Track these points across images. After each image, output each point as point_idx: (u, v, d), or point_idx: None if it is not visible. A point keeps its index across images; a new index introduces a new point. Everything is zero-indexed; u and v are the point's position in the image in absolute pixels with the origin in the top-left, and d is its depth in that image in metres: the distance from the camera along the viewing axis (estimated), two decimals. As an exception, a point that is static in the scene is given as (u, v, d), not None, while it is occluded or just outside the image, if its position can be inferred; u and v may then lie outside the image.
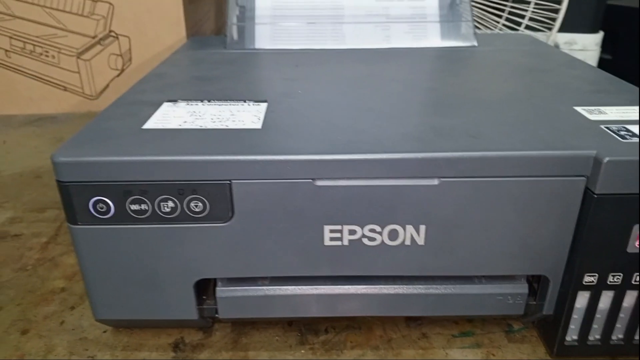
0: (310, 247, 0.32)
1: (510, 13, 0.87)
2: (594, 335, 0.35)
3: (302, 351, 0.37)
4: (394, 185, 0.31)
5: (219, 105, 0.38)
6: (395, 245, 0.33)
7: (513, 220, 0.32)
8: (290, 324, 0.39)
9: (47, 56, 0.81)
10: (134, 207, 0.31)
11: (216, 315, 0.36)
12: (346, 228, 0.32)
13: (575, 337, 0.35)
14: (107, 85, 0.84)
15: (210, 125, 0.34)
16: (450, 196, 0.31)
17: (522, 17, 0.85)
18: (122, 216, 0.31)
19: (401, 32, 0.60)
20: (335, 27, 0.61)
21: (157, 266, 0.33)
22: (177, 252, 0.33)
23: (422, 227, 0.32)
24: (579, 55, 0.92)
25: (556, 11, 0.84)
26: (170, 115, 0.36)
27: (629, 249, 0.32)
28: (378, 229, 0.32)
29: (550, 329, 0.36)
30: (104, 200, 0.31)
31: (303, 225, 0.32)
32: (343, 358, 0.36)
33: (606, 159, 0.29)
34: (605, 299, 0.34)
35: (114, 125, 0.35)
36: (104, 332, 0.38)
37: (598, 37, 0.91)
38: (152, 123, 0.35)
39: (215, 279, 0.35)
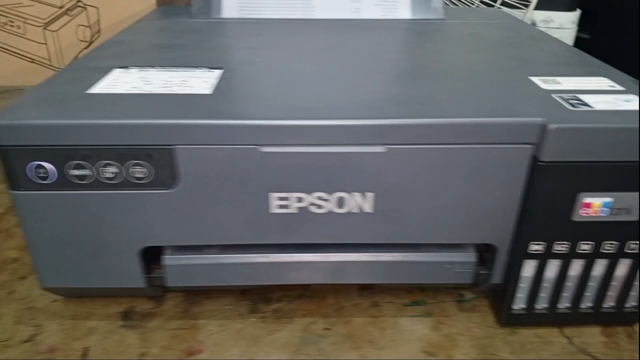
0: (257, 214, 0.32)
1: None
2: (542, 304, 0.36)
3: (253, 319, 0.37)
4: (340, 152, 0.30)
5: (172, 71, 0.37)
6: (343, 213, 0.32)
7: (460, 188, 0.32)
8: (243, 293, 0.39)
9: (12, 26, 0.79)
10: (75, 172, 0.31)
11: (165, 284, 0.35)
12: (293, 195, 0.32)
13: (522, 306, 0.36)
14: (76, 57, 0.82)
15: (158, 90, 0.34)
16: (397, 163, 0.31)
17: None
18: (63, 182, 0.31)
19: (371, 4, 0.60)
20: (304, -2, 0.60)
21: (102, 233, 0.33)
22: (120, 219, 0.32)
23: (370, 195, 0.32)
24: (555, 33, 0.92)
25: (533, -13, 0.83)
26: (120, 81, 0.35)
27: (575, 218, 0.32)
28: (326, 196, 0.32)
29: (499, 298, 0.36)
30: (44, 165, 0.30)
31: (249, 193, 0.31)
32: (292, 326, 0.36)
33: (552, 126, 0.29)
34: (552, 268, 0.34)
35: (59, 89, 0.34)
36: (54, 301, 0.38)
37: (575, 15, 0.91)
38: (98, 88, 0.34)
39: (163, 247, 0.35)
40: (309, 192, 0.32)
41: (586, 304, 0.36)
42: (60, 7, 0.78)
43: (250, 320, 0.37)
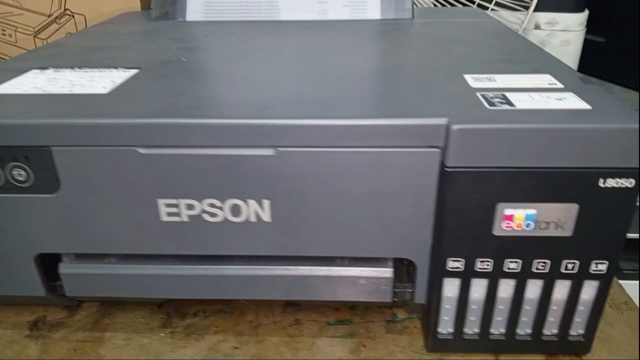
0: (147, 222, 0.30)
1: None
2: (472, 329, 0.32)
3: (161, 334, 0.35)
4: (227, 154, 0.28)
5: (85, 72, 0.36)
6: (240, 222, 0.30)
7: (366, 196, 0.28)
8: (160, 306, 0.37)
9: (4, 35, 0.81)
10: (-43, 174, 0.29)
11: (64, 294, 0.33)
12: (183, 202, 0.29)
13: (450, 330, 0.32)
14: (65, 65, 0.83)
15: (57, 90, 0.32)
16: (291, 168, 0.28)
17: (500, -5, 0.80)
18: (-54, 184, 0.29)
19: (339, 5, 0.57)
20: (270, 0, 0.58)
21: (-7, 239, 0.31)
22: (9, 225, 0.31)
23: (266, 202, 0.29)
24: (561, 36, 0.87)
25: (533, -12, 0.79)
26: (26, 82, 0.34)
27: (496, 232, 0.28)
28: (218, 203, 0.29)
29: (427, 320, 0.33)
30: None
31: (135, 199, 0.29)
32: (200, 343, 0.34)
33: (455, 127, 0.26)
34: (478, 288, 0.30)
35: (-39, 89, 0.33)
36: (-36, 308, 0.37)
37: (582, 16, 0.85)
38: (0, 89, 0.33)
39: (62, 255, 0.33)
40: (199, 199, 0.29)
41: (524, 330, 0.32)
42: (49, 16, 0.79)
43: (158, 335, 0.35)
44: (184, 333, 0.35)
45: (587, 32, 0.89)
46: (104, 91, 0.32)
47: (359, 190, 0.28)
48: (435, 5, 0.79)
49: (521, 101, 0.28)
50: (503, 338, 0.32)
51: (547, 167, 0.26)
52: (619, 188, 0.26)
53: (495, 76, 0.33)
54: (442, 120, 0.26)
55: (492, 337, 0.32)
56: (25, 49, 0.82)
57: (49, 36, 0.81)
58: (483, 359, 0.32)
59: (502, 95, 0.29)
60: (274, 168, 0.28)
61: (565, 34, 0.86)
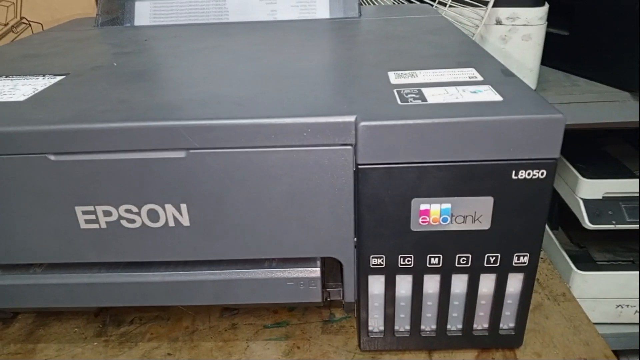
0: (66, 230, 0.29)
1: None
2: (403, 326, 0.32)
3: (95, 343, 0.34)
4: (139, 158, 0.27)
5: (12, 80, 0.35)
6: (158, 227, 0.29)
7: (283, 196, 0.28)
8: (96, 314, 0.37)
9: (-40, 45, 0.80)
10: None
11: (-7, 306, 0.33)
12: (99, 209, 0.29)
13: (381, 328, 0.32)
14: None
15: (-26, 99, 0.32)
16: (204, 170, 0.27)
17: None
18: None
19: (287, 6, 0.57)
20: (219, 2, 0.57)
21: None
22: None
23: (183, 206, 0.29)
24: (523, 31, 0.87)
25: (491, -17, 0.79)
26: (-53, 91, 0.34)
27: (414, 227, 0.28)
28: (135, 209, 0.29)
29: (358, 318, 0.33)
30: None
31: (52, 206, 0.29)
32: (133, 352, 0.33)
33: (362, 124, 0.26)
34: (404, 285, 0.30)
35: None
36: None
37: (543, 10, 0.85)
38: None
39: (-12, 267, 0.32)
40: (115, 205, 0.29)
41: (455, 325, 0.31)
42: (5, 25, 0.78)
43: (92, 344, 0.34)
44: (118, 341, 0.34)
45: (550, 26, 0.89)
46: (22, 99, 0.31)
47: (277, 191, 0.28)
48: (396, 3, 0.79)
49: (434, 95, 0.28)
50: (434, 334, 0.31)
51: (458, 161, 0.26)
52: (532, 179, 0.26)
53: (418, 72, 0.32)
54: (351, 118, 0.26)
55: (423, 334, 0.32)
56: (-17, 60, 0.80)
57: (7, 46, 0.80)
58: (416, 357, 0.32)
59: (418, 90, 0.29)
60: (187, 170, 0.28)
61: (526, 28, 0.86)
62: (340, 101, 0.28)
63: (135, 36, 0.49)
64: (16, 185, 0.28)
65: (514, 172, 0.26)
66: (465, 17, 0.77)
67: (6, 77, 0.36)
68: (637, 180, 0.89)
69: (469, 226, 0.28)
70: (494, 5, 0.81)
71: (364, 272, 0.30)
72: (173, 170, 0.27)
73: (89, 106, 0.29)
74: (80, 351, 0.34)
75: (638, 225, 0.86)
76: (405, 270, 0.29)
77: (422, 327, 0.31)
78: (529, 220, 0.28)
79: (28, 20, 0.78)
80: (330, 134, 0.26)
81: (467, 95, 0.28)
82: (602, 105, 0.86)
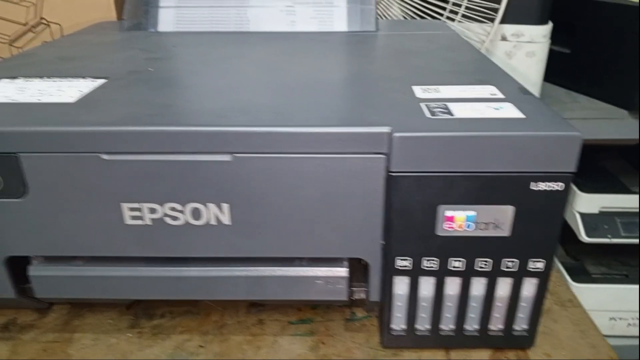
0: (111, 226, 0.31)
1: (455, 5, 0.85)
2: (423, 325, 0.34)
3: (129, 335, 0.36)
4: (186, 160, 0.29)
5: (54, 81, 0.37)
6: (201, 225, 0.31)
7: (318, 199, 0.30)
8: (128, 307, 0.38)
9: (-21, 43, 0.81)
10: None
11: (34, 296, 0.35)
12: (145, 206, 0.31)
13: (403, 326, 0.34)
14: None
15: (26, 99, 0.33)
16: (248, 173, 0.30)
17: (468, 9, 0.83)
18: None
19: (306, 17, 0.59)
20: (240, 11, 0.60)
21: (-38, 243, 0.32)
22: (-22, 228, 0.32)
23: (226, 206, 0.31)
24: (527, 47, 0.90)
25: (499, 1, 0.82)
26: (-4, 91, 0.35)
27: (440, 232, 0.30)
28: (179, 207, 0.31)
29: (382, 317, 0.35)
30: None
31: (100, 203, 0.31)
32: (166, 343, 0.35)
33: (396, 135, 0.28)
34: (427, 286, 0.32)
35: None
36: None
37: (546, 28, 0.89)
38: (-31, 97, 0.34)
39: (31, 258, 0.34)
40: (161, 202, 0.31)
41: (472, 325, 0.34)
42: (25, 24, 0.80)
43: (126, 335, 0.36)
44: (151, 333, 0.36)
45: (552, 43, 0.92)
46: (72, 100, 0.33)
47: (312, 194, 0.30)
48: (404, 18, 0.82)
49: (461, 111, 0.30)
50: (452, 334, 0.34)
51: (483, 172, 0.28)
52: (550, 191, 0.29)
53: (441, 87, 0.35)
54: (386, 129, 0.28)
55: (442, 333, 0.34)
56: (0, 57, 0.82)
57: (25, 44, 0.82)
58: (435, 355, 0.34)
59: (444, 105, 0.31)
60: (231, 173, 0.30)
61: (530, 45, 0.89)
62: (371, 112, 0.31)
63: (162, 42, 0.51)
64: (68, 181, 0.30)
65: (533, 183, 0.29)
66: (472, 33, 0.79)
67: (48, 78, 0.38)
68: (633, 195, 0.92)
69: (490, 232, 0.30)
70: (500, 22, 0.84)
71: (389, 273, 0.32)
72: (218, 172, 0.30)
73: (138, 110, 0.31)
74: (116, 341, 0.35)
75: (634, 240, 0.89)
76: (428, 273, 0.31)
77: (442, 326, 0.33)
78: (545, 228, 0.30)
79: (47, 21, 0.80)
80: (365, 143, 0.29)
81: (491, 111, 0.30)
82: (601, 122, 0.90)
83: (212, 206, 0.31)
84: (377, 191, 0.30)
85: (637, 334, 0.92)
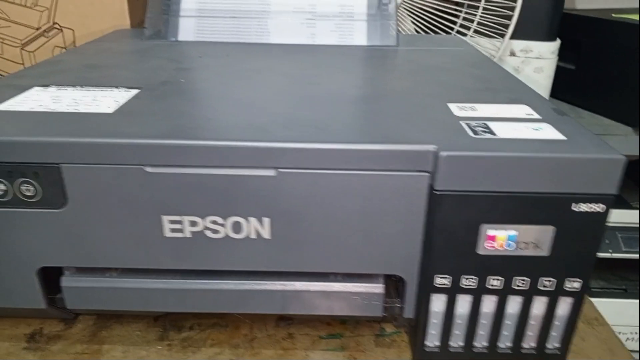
0: (150, 238, 0.31)
1: (466, 19, 0.86)
2: (457, 342, 0.34)
3: (159, 347, 0.36)
4: (230, 174, 0.29)
5: (88, 90, 0.37)
6: (240, 239, 0.31)
7: (359, 215, 0.30)
8: (156, 319, 0.38)
9: (-10, 46, 0.81)
10: (-36, 189, 0.30)
11: (65, 307, 0.34)
12: (186, 219, 0.31)
13: (437, 343, 0.34)
14: (52, 78, 0.83)
15: (62, 108, 0.33)
16: (291, 188, 0.30)
17: (478, 23, 0.84)
18: (-48, 198, 0.30)
19: (327, 30, 0.59)
20: (261, 23, 0.60)
21: (-4, 252, 0.32)
22: (13, 238, 0.31)
23: (266, 220, 0.31)
24: (535, 63, 0.91)
25: (509, 18, 0.83)
26: (30, 99, 0.35)
27: (480, 251, 0.30)
28: (220, 220, 0.31)
29: (414, 333, 0.35)
30: None
31: (140, 215, 0.30)
32: (197, 356, 0.35)
33: (443, 154, 0.28)
34: (463, 304, 0.32)
35: (-33, 106, 0.34)
36: (-42, 320, 0.37)
37: (554, 45, 0.90)
38: (5, 106, 0.34)
39: (63, 268, 0.34)
40: (202, 216, 0.31)
41: (505, 343, 0.34)
42: (37, 29, 0.80)
43: (156, 347, 0.36)
44: (181, 346, 0.36)
45: (558, 60, 0.93)
46: (109, 110, 0.33)
47: (353, 210, 0.30)
48: (417, 32, 0.82)
49: (502, 130, 0.31)
50: (485, 351, 0.34)
51: (526, 192, 0.29)
52: (591, 212, 0.29)
53: (477, 105, 0.35)
54: (432, 147, 0.28)
55: (475, 350, 0.34)
56: (12, 61, 0.82)
57: (36, 49, 0.82)
58: (466, 371, 0.34)
59: (484, 124, 0.32)
60: (275, 188, 0.30)
61: (538, 61, 0.91)
62: (413, 129, 0.31)
63: (186, 52, 0.51)
64: (109, 192, 0.30)
65: (575, 204, 0.29)
66: (482, 47, 0.80)
67: (81, 87, 0.38)
68: (634, 211, 0.93)
69: (529, 252, 0.30)
70: (510, 38, 0.85)
71: (427, 290, 0.32)
72: (262, 186, 0.30)
73: (180, 122, 0.31)
74: (146, 354, 0.35)
75: (634, 255, 0.90)
76: (466, 291, 0.32)
77: (475, 343, 0.34)
78: (584, 248, 0.30)
79: (60, 26, 0.80)
80: (410, 161, 0.29)
81: (531, 132, 0.31)
82: (605, 138, 0.90)
83: (253, 220, 0.31)
84: (418, 209, 0.30)
85: (637, 349, 0.92)
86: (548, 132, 0.31)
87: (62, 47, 0.81)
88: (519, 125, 0.32)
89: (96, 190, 0.30)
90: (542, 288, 0.31)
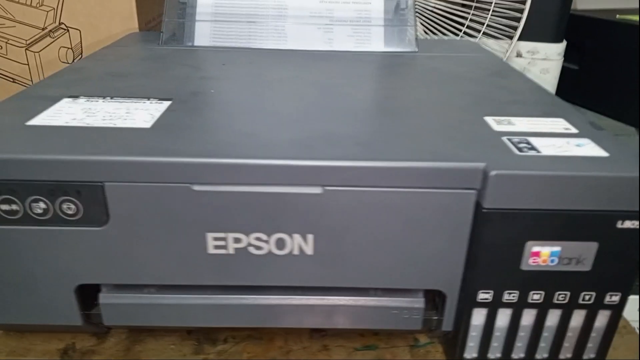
0: (193, 255, 0.31)
1: (473, 21, 0.86)
2: (494, 354, 0.34)
3: (195, 361, 0.36)
4: (276, 192, 0.29)
5: (119, 102, 0.37)
6: (283, 255, 0.31)
7: (403, 232, 0.30)
8: (189, 332, 0.38)
9: (-6, 46, 0.79)
10: (4, 207, 0.30)
11: (103, 323, 0.34)
12: (231, 236, 0.30)
13: (474, 355, 0.34)
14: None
15: (98, 123, 0.33)
16: (336, 205, 0.30)
17: (487, 25, 0.84)
18: (-9, 216, 0.30)
19: (344, 35, 0.59)
20: (278, 27, 0.59)
21: (34, 270, 0.31)
22: (53, 256, 0.31)
23: (310, 237, 0.31)
24: (541, 65, 0.92)
25: (518, 20, 0.83)
26: (63, 112, 0.35)
27: (524, 267, 0.31)
28: (265, 237, 0.31)
29: (452, 345, 0.35)
30: (-28, 199, 0.29)
31: (184, 232, 0.30)
32: (235, 370, 0.35)
33: (493, 173, 0.28)
34: (503, 317, 0.33)
35: (0, 119, 0.33)
36: (-9, 336, 0.37)
37: (561, 46, 0.90)
38: (39, 119, 0.33)
39: (101, 285, 0.33)
40: (247, 232, 0.30)
41: (541, 354, 0.34)
42: (43, 29, 0.78)
43: (192, 361, 0.36)
44: (217, 359, 0.36)
45: (564, 60, 0.94)
46: (147, 125, 0.33)
47: (396, 227, 0.30)
48: (425, 33, 0.82)
49: (545, 147, 0.31)
50: (522, 362, 0.34)
51: (572, 209, 0.29)
52: (634, 229, 0.29)
53: (513, 119, 0.35)
54: (480, 165, 0.28)
55: (511, 362, 0.34)
56: (16, 62, 0.80)
57: (42, 49, 0.81)
58: (502, 382, 0.35)
59: (526, 140, 0.32)
60: (320, 205, 0.30)
61: (544, 62, 0.91)
62: (456, 145, 0.31)
63: (208, 58, 0.51)
64: (153, 210, 0.30)
65: (620, 222, 0.29)
66: (490, 49, 0.81)
67: (111, 98, 0.38)
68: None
69: (572, 267, 0.31)
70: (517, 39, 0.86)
71: (468, 305, 0.32)
72: (308, 204, 0.29)
73: (222, 138, 0.31)
74: (182, 368, 0.35)
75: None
76: (507, 305, 0.32)
77: (512, 355, 0.34)
78: (626, 263, 0.31)
79: (66, 26, 0.78)
80: (457, 179, 0.29)
81: (573, 148, 0.31)
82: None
83: (297, 237, 0.31)
84: (464, 225, 0.30)
85: (637, 345, 0.94)
86: (589, 148, 0.31)
87: (68, 48, 0.80)
88: (560, 141, 0.32)
89: (139, 208, 0.30)
90: (582, 302, 0.32)
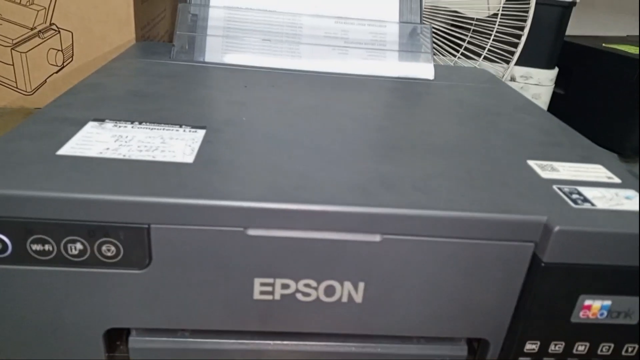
0: (238, 300, 0.29)
1: (471, 43, 0.87)
2: (532, 402, 0.34)
3: (224, 407, 0.34)
4: (333, 239, 0.28)
5: (150, 129, 0.35)
6: (331, 302, 0.30)
7: (456, 282, 0.30)
8: (214, 373, 0.36)
9: (-23, 45, 0.74)
10: (36, 247, 0.27)
11: (129, 366, 0.32)
12: (279, 282, 0.29)
13: (513, 403, 0.34)
14: (45, 82, 0.78)
15: (135, 155, 0.31)
16: (392, 254, 0.29)
17: (482, 48, 0.85)
18: (21, 256, 0.27)
19: (359, 58, 0.58)
20: (292, 46, 0.58)
21: (62, 313, 0.29)
22: (85, 299, 0.29)
23: (361, 284, 0.30)
24: (534, 89, 0.93)
25: (515, 45, 0.85)
26: (93, 139, 0.32)
27: (574, 319, 0.30)
28: (314, 284, 0.29)
29: (489, 391, 0.35)
30: (1, 238, 0.27)
31: (231, 277, 0.29)
32: (268, 417, 0.33)
33: (557, 228, 0.28)
34: (546, 366, 0.32)
35: (24, 147, 0.31)
36: (-1, 377, 0.34)
37: (553, 73, 0.93)
38: (69, 148, 0.31)
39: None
40: (296, 279, 0.29)
41: (577, 402, 0.34)
42: (32, 29, 0.74)
43: (220, 406, 0.34)
44: (247, 404, 0.34)
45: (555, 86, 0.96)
46: (189, 160, 0.31)
47: (451, 276, 0.30)
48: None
49: (597, 199, 0.31)
50: (560, 410, 0.34)
51: (625, 265, 0.29)
52: (682, 284, 0.30)
53: (555, 164, 0.35)
54: (542, 219, 0.28)
55: (549, 410, 0.34)
56: (1, 62, 0.76)
57: (29, 50, 0.76)
58: None
59: (577, 190, 0.32)
60: (376, 253, 0.29)
61: (537, 87, 0.93)
62: (511, 195, 0.30)
63: (227, 78, 0.49)
64: (201, 254, 0.28)
65: (670, 277, 0.29)
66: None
67: (139, 124, 0.35)
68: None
69: (619, 320, 0.31)
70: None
71: (515, 354, 0.32)
72: (363, 251, 0.28)
73: (273, 179, 0.30)
74: (211, 414, 0.33)
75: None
76: (552, 355, 0.32)
77: (550, 403, 0.34)
78: (670, 317, 0.31)
79: (58, 27, 0.75)
80: (517, 231, 0.29)
81: (624, 201, 0.31)
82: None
83: (347, 284, 0.29)
84: (518, 277, 0.30)
85: None
86: (637, 202, 0.31)
87: (58, 50, 0.76)
88: (609, 192, 0.32)
89: (185, 251, 0.28)
90: (625, 354, 0.32)
